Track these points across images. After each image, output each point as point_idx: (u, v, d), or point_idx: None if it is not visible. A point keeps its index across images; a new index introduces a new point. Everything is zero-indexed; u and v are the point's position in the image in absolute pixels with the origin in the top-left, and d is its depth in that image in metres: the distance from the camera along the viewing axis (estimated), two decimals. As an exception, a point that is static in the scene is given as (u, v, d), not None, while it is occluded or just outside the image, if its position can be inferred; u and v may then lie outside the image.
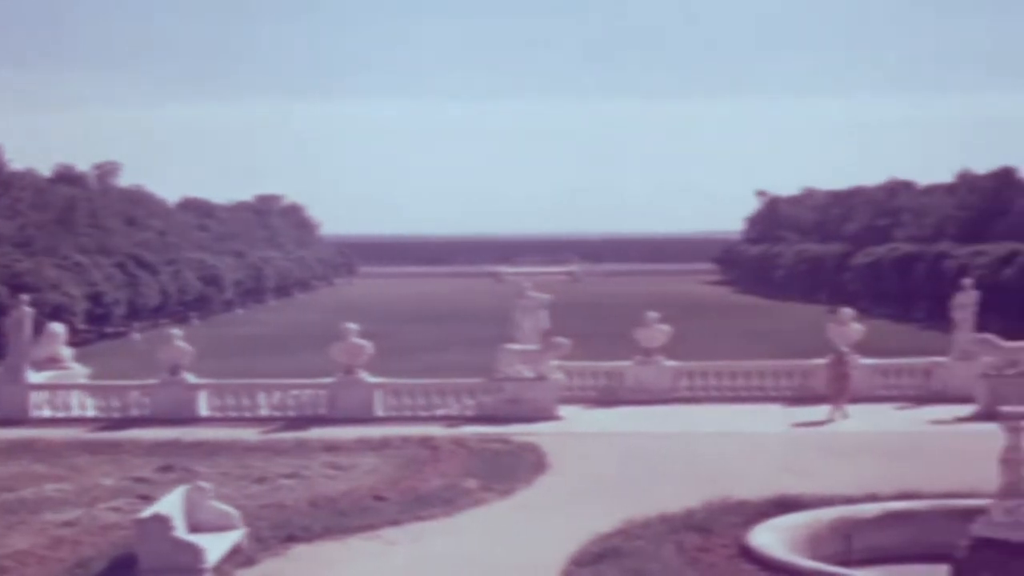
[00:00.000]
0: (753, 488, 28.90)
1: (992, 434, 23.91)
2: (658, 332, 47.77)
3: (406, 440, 38.12)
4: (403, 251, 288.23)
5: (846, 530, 25.33)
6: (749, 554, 23.82)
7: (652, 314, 48.04)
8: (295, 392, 45.30)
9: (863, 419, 42.87)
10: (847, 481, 29.99)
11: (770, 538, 24.46)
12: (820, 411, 44.13)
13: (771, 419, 43.33)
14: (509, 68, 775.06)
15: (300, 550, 25.83)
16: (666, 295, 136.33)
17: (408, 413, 44.08)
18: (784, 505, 27.12)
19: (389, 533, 27.03)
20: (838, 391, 44.58)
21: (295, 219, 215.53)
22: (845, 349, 46.40)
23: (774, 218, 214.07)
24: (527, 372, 44.43)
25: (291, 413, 44.48)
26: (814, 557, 23.87)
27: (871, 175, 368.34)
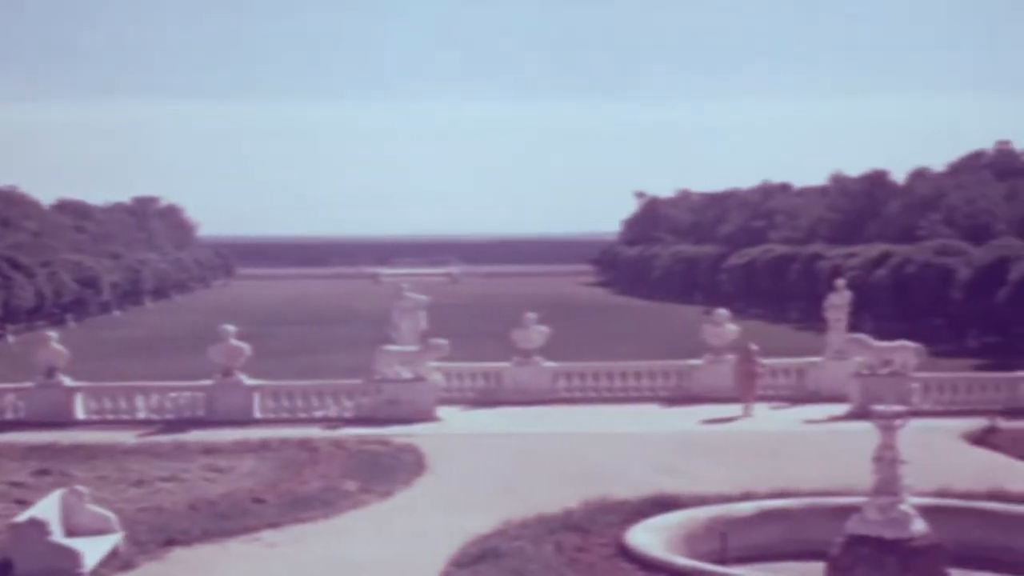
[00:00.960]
0: (631, 488, 29.11)
1: (865, 433, 24.27)
2: (536, 333, 47.98)
3: (285, 442, 37.98)
4: (282, 252, 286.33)
5: (722, 528, 25.53)
6: (627, 553, 23.98)
7: (530, 315, 48.24)
8: (173, 395, 44.95)
9: (737, 418, 43.35)
10: (723, 480, 30.31)
11: (648, 537, 24.63)
12: (696, 411, 44.63)
13: (648, 419, 43.68)
14: (388, 67, 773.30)
15: (179, 554, 25.67)
16: (544, 296, 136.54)
17: (287, 415, 43.94)
18: (661, 504, 27.33)
19: (269, 536, 26.94)
20: (746, 388, 45.13)
21: (173, 220, 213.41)
22: (755, 347, 46.88)
23: (651, 220, 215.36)
24: (406, 373, 44.43)
25: (169, 416, 44.14)
26: (691, 556, 24.07)
27: (746, 177, 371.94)
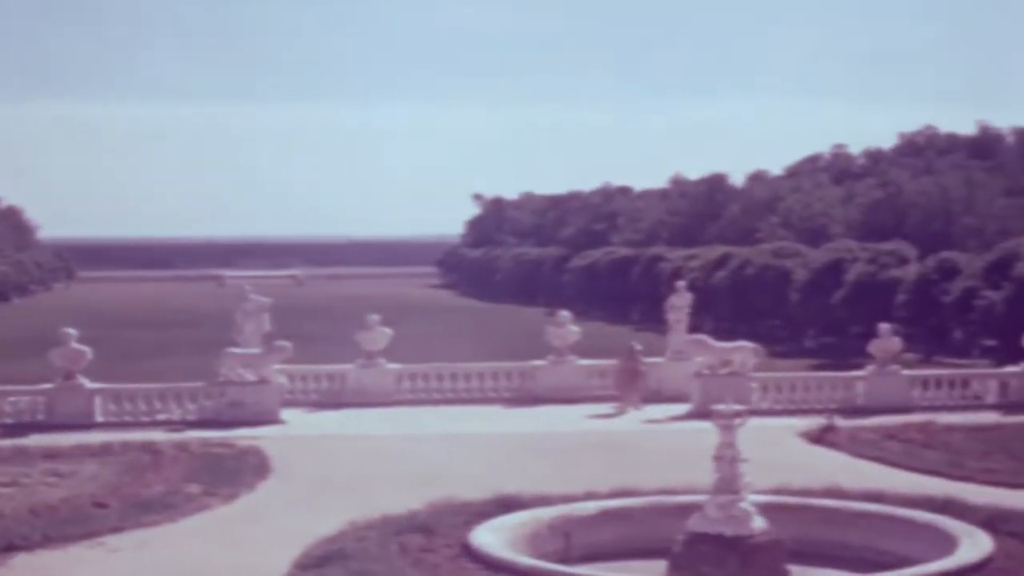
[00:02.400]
0: (475, 489, 29.23)
1: (706, 432, 24.69)
2: (380, 335, 47.99)
3: (127, 446, 37.60)
4: (124, 254, 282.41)
5: (565, 528, 25.77)
6: (472, 554, 24.12)
7: (374, 317, 48.23)
8: (12, 399, 44.24)
9: (582, 419, 43.72)
10: (567, 480, 30.53)
11: (492, 538, 24.79)
12: (540, 411, 44.97)
13: (492, 420, 43.90)
14: (232, 69, 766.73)
15: (20, 559, 25.36)
16: (388, 298, 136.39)
17: (129, 418, 43.49)
18: (505, 505, 27.49)
19: (112, 540, 26.70)
20: (629, 387, 45.55)
21: (12, 222, 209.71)
22: (638, 347, 47.30)
23: (494, 222, 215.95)
24: (249, 376, 44.23)
25: (8, 420, 43.43)
26: (535, 555, 24.26)
27: (587, 180, 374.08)
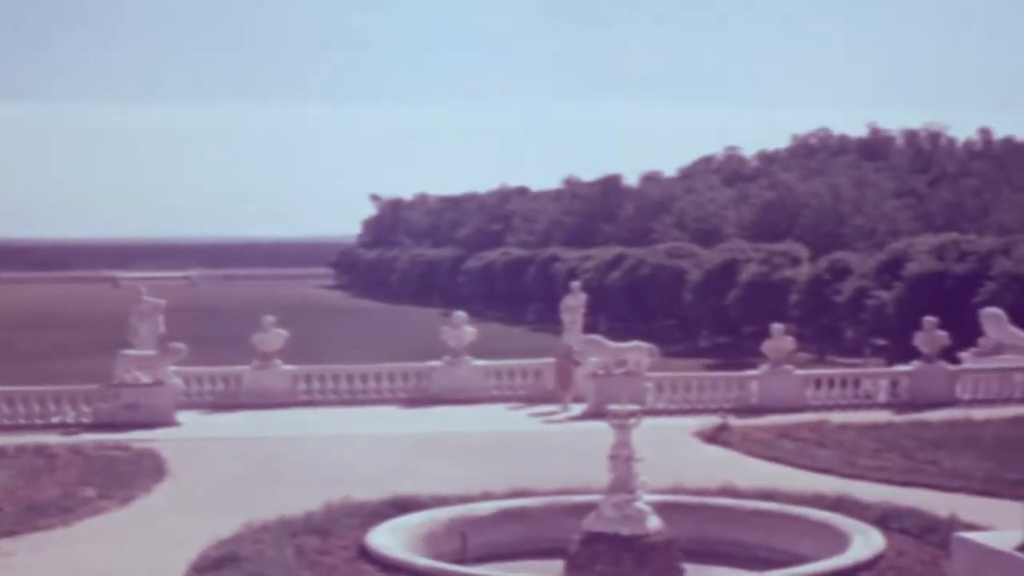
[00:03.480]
0: (372, 490, 29.23)
1: (602, 432, 24.86)
2: (275, 336, 47.81)
3: (21, 449, 37.24)
4: (18, 256, 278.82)
5: (462, 529, 25.85)
6: (368, 555, 24.13)
7: (269, 318, 48.04)
8: (-100, 402, 43.66)
9: (478, 420, 43.81)
10: (464, 481, 30.59)
11: (388, 539, 24.81)
12: (436, 412, 45.02)
13: (389, 421, 43.90)
14: (117, 68, 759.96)
15: (-88, 564, 25.10)
16: (284, 299, 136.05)
17: (23, 421, 42.98)
18: (402, 506, 27.52)
19: (5, 544, 26.44)
20: (564, 386, 45.71)
21: None
22: (576, 347, 47.41)
23: (390, 223, 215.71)
24: (144, 378, 43.91)
25: None
26: (431, 556, 24.31)
27: (483, 181, 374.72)
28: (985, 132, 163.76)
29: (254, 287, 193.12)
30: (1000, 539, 13.65)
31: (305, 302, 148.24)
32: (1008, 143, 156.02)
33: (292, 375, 47.87)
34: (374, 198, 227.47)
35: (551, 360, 48.83)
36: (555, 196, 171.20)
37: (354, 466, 34.63)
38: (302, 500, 28.38)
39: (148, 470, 34.30)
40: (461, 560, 24.69)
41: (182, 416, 43.78)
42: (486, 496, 28.39)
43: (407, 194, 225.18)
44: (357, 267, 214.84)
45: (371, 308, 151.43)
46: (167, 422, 42.81)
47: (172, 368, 44.71)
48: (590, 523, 23.60)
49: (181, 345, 44.47)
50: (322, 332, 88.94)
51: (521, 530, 26.55)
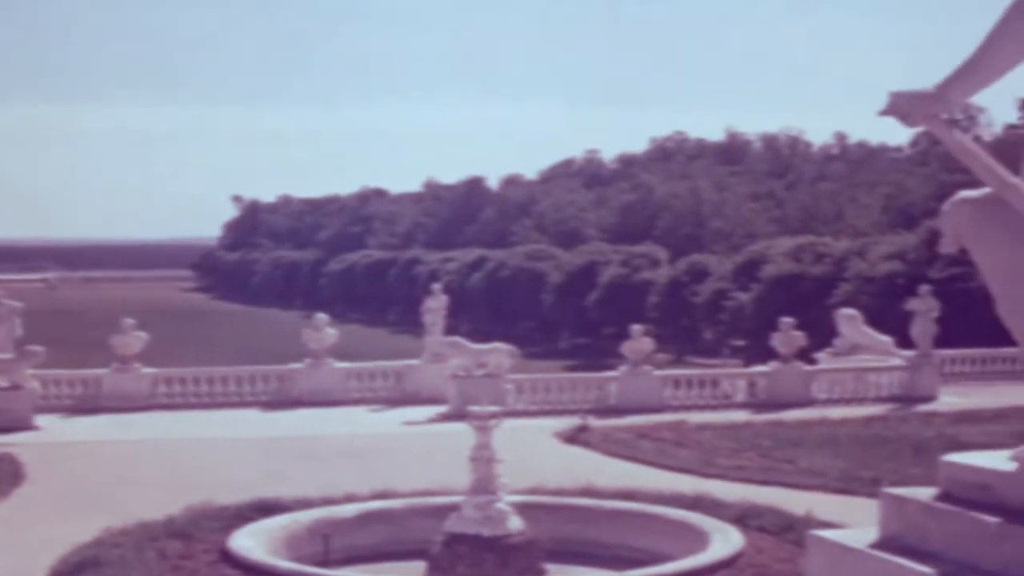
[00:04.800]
0: (234, 493, 29.08)
1: (463, 433, 24.98)
2: (135, 339, 47.40)
3: None
4: None
5: (325, 531, 25.83)
6: (230, 558, 24.03)
7: (128, 321, 47.63)
8: None
9: (340, 422, 43.76)
10: (326, 483, 30.53)
11: (250, 542, 24.72)
12: (298, 415, 44.91)
13: (250, 424, 43.72)
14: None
15: None
16: (143, 302, 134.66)
17: None
18: (264, 509, 27.42)
19: None
20: None
21: None
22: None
23: (251, 225, 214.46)
24: (1, 381, 43.33)
25: None
26: (294, 558, 24.27)
27: (344, 183, 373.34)
28: (840, 136, 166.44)
29: (114, 289, 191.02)
30: (854, 536, 13.95)
31: (165, 304, 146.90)
32: (863, 147, 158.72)
33: (152, 378, 47.48)
34: (236, 199, 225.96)
35: (413, 362, 48.97)
36: (416, 199, 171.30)
37: (216, 469, 34.43)
38: (163, 504, 28.14)
39: (5, 475, 33.83)
40: (324, 562, 24.68)
41: (40, 420, 43.24)
42: (349, 498, 28.37)
43: (269, 196, 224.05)
44: (218, 269, 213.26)
45: (232, 310, 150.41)
46: (25, 426, 42.25)
47: (30, 371, 44.17)
48: (452, 524, 23.69)
49: (39, 348, 43.95)
50: (183, 335, 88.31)
51: (384, 532, 26.59)
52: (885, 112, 12.94)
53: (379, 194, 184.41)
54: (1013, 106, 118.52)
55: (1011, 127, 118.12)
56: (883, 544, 13.32)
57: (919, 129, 13.41)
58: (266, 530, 25.75)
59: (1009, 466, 12.87)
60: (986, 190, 12.94)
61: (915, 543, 13.01)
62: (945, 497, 13.16)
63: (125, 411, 45.41)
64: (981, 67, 12.88)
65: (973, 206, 12.97)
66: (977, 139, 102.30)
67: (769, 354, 50.05)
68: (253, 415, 45.78)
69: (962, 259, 13.21)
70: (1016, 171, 13.06)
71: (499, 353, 46.44)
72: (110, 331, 48.24)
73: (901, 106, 12.87)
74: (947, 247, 13.29)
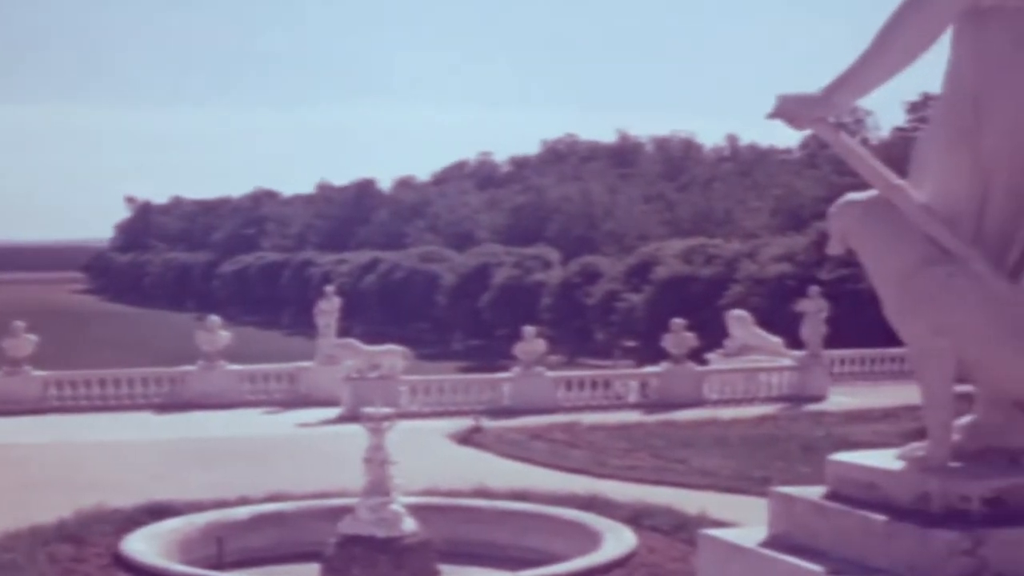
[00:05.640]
0: (126, 496, 28.89)
1: (357, 435, 25.00)
2: (25, 341, 46.94)
3: None
4: None
5: (218, 534, 25.77)
6: (123, 562, 23.90)
7: (18, 323, 47.15)
8: None
9: (234, 424, 43.59)
10: (220, 486, 30.42)
11: (143, 545, 24.61)
12: (191, 417, 44.68)
13: (143, 427, 43.44)
14: None
15: None
16: (33, 303, 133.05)
17: None
18: (157, 512, 27.27)
19: None
20: None
21: None
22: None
23: (143, 226, 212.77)
24: None
25: None
26: (187, 561, 24.21)
27: (237, 184, 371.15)
28: (732, 138, 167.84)
29: (2, 291, 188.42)
30: (744, 535, 14.11)
31: (56, 306, 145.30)
32: (753, 149, 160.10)
33: (43, 381, 47.04)
34: (129, 200, 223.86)
35: (306, 364, 48.90)
36: (308, 200, 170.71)
37: (108, 473, 34.17)
38: (55, 507, 27.89)
39: None
40: (218, 565, 24.63)
41: (-72, 424, 42.74)
42: (243, 501, 28.30)
43: (161, 197, 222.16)
44: (110, 271, 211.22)
45: (124, 313, 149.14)
46: (-89, 430, 41.77)
47: (-84, 375, 43.63)
48: (346, 526, 23.71)
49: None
50: (74, 337, 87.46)
51: (278, 534, 26.57)
52: (772, 115, 13.10)
53: (271, 196, 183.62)
54: (901, 109, 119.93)
55: (899, 130, 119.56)
56: (772, 542, 13.48)
57: (808, 132, 13.60)
58: (159, 533, 25.65)
59: (896, 465, 13.09)
60: (873, 192, 13.16)
61: (804, 541, 13.18)
62: (833, 496, 13.34)
63: (15, 414, 44.92)
64: (867, 71, 13.09)
65: (860, 208, 13.18)
66: (865, 142, 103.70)
67: (661, 355, 50.38)
68: (146, 418, 45.48)
69: (851, 260, 13.44)
70: (903, 174, 13.31)
71: (393, 355, 46.45)
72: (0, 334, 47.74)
73: (788, 109, 13.03)
74: (834, 248, 13.50)
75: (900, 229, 12.89)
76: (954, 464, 12.87)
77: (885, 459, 13.38)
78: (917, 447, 13.14)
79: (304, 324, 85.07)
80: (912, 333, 12.92)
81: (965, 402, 13.60)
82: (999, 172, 13.00)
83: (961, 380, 13.10)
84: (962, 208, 13.03)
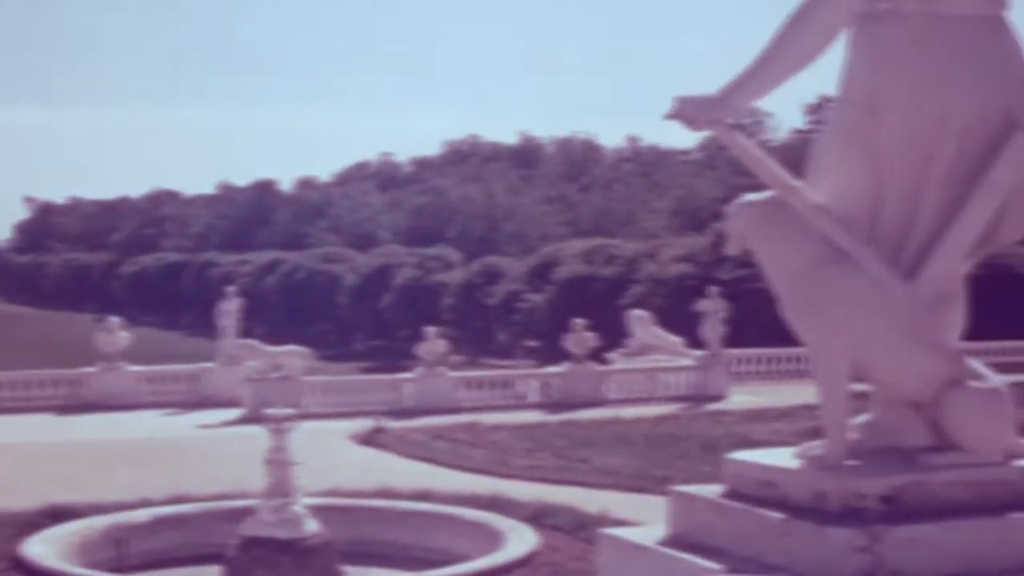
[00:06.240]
0: (27, 499, 28.57)
1: (259, 436, 24.94)
2: (-79, 344, 46.46)
3: None
4: None
5: (120, 536, 25.60)
6: (22, 566, 23.68)
7: (-86, 326, 46.64)
8: None
9: (135, 426, 43.31)
10: (122, 488, 30.15)
11: (43, 549, 24.37)
12: (91, 419, 44.34)
13: (42, 429, 43.02)
14: None
15: None
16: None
17: None
18: (57, 515, 26.98)
19: None
20: None
21: None
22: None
23: (41, 227, 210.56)
24: None
25: None
26: (89, 564, 24.00)
27: (136, 185, 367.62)
28: (633, 140, 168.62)
29: None
30: (643, 534, 14.23)
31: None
32: (653, 150, 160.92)
33: (-62, 383, 46.53)
34: (28, 201, 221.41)
35: (208, 365, 48.68)
36: (209, 201, 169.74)
37: (8, 476, 33.76)
38: (-49, 511, 27.63)
39: None
40: (118, 568, 24.46)
41: None
42: (144, 503, 28.10)
43: (59, 197, 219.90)
44: (8, 272, 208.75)
45: (22, 313, 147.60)
46: None
47: None
48: (248, 528, 23.62)
49: None
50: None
51: (179, 536, 26.41)
52: (670, 116, 13.17)
53: (172, 196, 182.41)
54: (800, 111, 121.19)
55: (798, 131, 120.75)
56: (672, 541, 13.60)
57: (707, 133, 13.72)
58: (59, 536, 25.41)
59: (793, 463, 13.26)
60: (770, 193, 13.30)
61: (703, 540, 13.30)
62: (732, 494, 13.48)
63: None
64: (763, 74, 13.22)
65: (757, 209, 13.32)
66: (765, 143, 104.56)
67: (562, 355, 50.59)
68: (46, 420, 45.05)
69: (750, 260, 13.58)
70: (802, 175, 13.48)
71: (294, 355, 46.35)
72: None
73: (685, 111, 13.11)
74: (732, 249, 13.64)
75: (796, 230, 13.06)
76: (851, 462, 13.05)
77: (783, 458, 13.55)
78: (814, 446, 13.32)
79: (205, 325, 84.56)
80: (808, 333, 13.09)
81: (862, 401, 13.81)
82: (893, 173, 13.19)
83: (858, 379, 13.30)
84: (857, 208, 13.22)
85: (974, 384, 13.03)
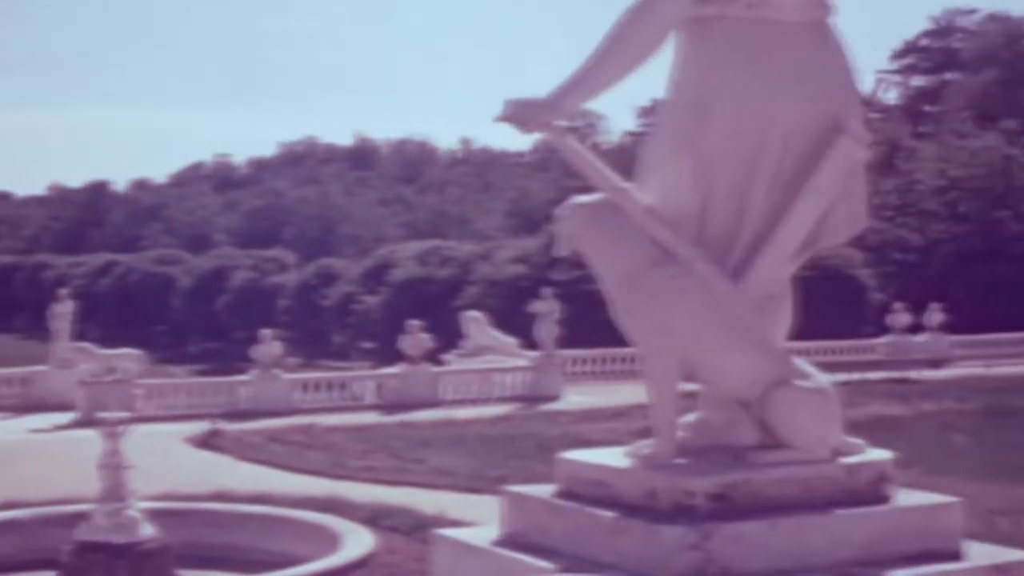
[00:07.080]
0: None
1: (93, 440, 24.74)
2: None
3: None
4: None
5: (-50, 543, 25.26)
6: None
7: None
8: None
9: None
10: (-50, 494, 29.80)
11: None
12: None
13: None
14: None
15: None
16: None
17: None
18: None
19: None
20: None
21: None
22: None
23: None
24: None
25: None
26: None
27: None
28: (466, 141, 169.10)
29: None
30: (477, 535, 14.35)
31: None
32: (486, 152, 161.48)
33: None
34: None
35: (40, 368, 48.07)
36: (41, 202, 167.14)
37: None
38: None
39: None
40: (-40, 574, 24.17)
41: None
42: (-25, 509, 27.76)
43: None
44: None
45: None
46: None
47: None
48: (82, 533, 23.42)
49: None
50: None
51: (13, 542, 26.05)
52: (501, 119, 13.20)
53: (2, 197, 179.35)
54: (632, 113, 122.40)
55: (630, 134, 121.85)
56: (506, 541, 13.70)
57: (538, 135, 13.78)
58: None
59: (624, 462, 13.44)
60: (599, 195, 13.46)
61: (537, 539, 13.39)
62: (565, 494, 13.58)
63: None
64: (593, 77, 13.29)
65: (586, 210, 13.44)
66: (597, 146, 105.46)
67: (398, 356, 50.69)
68: None
69: (583, 262, 13.77)
70: (633, 177, 13.66)
71: (128, 358, 45.93)
72: None
73: (516, 113, 13.11)
74: (562, 250, 13.75)
75: (625, 231, 13.24)
76: (681, 461, 13.27)
77: (614, 457, 13.71)
78: (644, 444, 13.53)
79: (39, 328, 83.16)
80: (638, 333, 13.30)
81: (692, 400, 14.09)
82: (720, 177, 13.41)
83: (688, 379, 13.56)
84: (685, 211, 13.40)
85: (800, 383, 13.29)
